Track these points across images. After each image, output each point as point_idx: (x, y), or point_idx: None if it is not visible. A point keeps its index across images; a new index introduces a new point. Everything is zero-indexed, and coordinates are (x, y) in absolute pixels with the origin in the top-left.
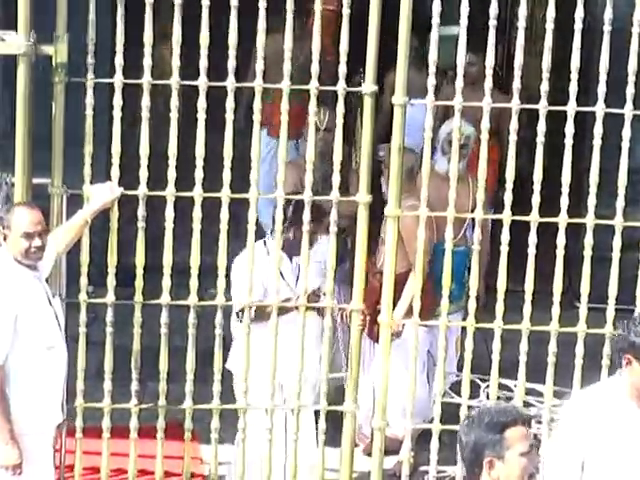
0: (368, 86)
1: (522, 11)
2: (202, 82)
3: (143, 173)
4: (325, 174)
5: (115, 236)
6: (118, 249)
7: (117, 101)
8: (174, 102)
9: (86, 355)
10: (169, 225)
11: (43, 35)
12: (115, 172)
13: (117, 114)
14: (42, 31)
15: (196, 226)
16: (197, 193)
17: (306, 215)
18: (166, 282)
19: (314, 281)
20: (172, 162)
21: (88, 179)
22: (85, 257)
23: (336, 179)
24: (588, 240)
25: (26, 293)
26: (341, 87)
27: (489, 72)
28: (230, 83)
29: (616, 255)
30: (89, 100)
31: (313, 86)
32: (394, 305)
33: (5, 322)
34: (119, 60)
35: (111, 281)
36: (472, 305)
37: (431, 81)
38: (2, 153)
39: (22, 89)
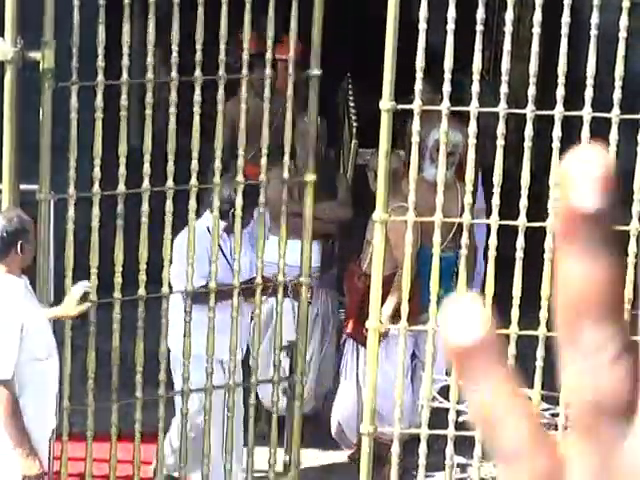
0: (313, 70)
1: (509, 15)
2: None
3: (122, 171)
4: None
5: (97, 236)
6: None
7: (98, 103)
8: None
9: (72, 360)
10: (144, 220)
11: (30, 41)
12: (97, 174)
13: (99, 116)
14: (29, 36)
15: (144, 220)
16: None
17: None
18: (142, 277)
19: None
20: (147, 158)
21: (73, 183)
22: (70, 262)
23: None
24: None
25: (27, 302)
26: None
27: (476, 77)
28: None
29: (631, 261)
30: (73, 104)
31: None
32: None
33: (13, 332)
34: (100, 62)
35: (94, 281)
36: None
37: (418, 86)
38: None
39: (9, 95)
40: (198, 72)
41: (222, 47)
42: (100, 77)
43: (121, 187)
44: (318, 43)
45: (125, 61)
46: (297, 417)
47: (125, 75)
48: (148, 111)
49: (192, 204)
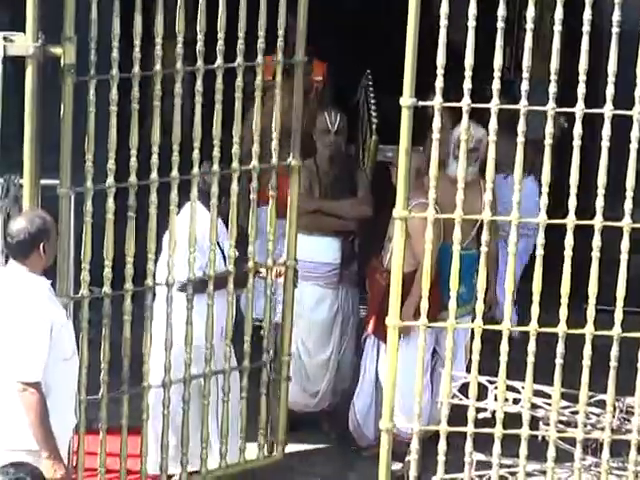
0: (297, 57)
1: (530, 13)
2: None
3: (133, 164)
4: (335, 178)
5: (89, 234)
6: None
7: (113, 96)
8: (134, 93)
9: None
10: (131, 215)
11: (51, 36)
12: (111, 166)
13: (113, 109)
14: (51, 32)
15: (131, 215)
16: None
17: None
18: (129, 270)
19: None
20: (133, 152)
21: (90, 177)
22: (88, 257)
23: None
24: (596, 242)
25: (53, 301)
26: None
27: (497, 74)
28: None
29: (624, 257)
30: (91, 98)
31: None
32: (402, 304)
33: (43, 332)
34: (115, 54)
35: (84, 277)
36: (479, 307)
37: (439, 84)
38: (9, 154)
39: (30, 90)
40: (200, 62)
41: (220, 37)
42: (115, 70)
43: (132, 178)
44: (303, 30)
45: (137, 53)
46: (282, 398)
47: (136, 67)
48: (156, 102)
49: (173, 196)
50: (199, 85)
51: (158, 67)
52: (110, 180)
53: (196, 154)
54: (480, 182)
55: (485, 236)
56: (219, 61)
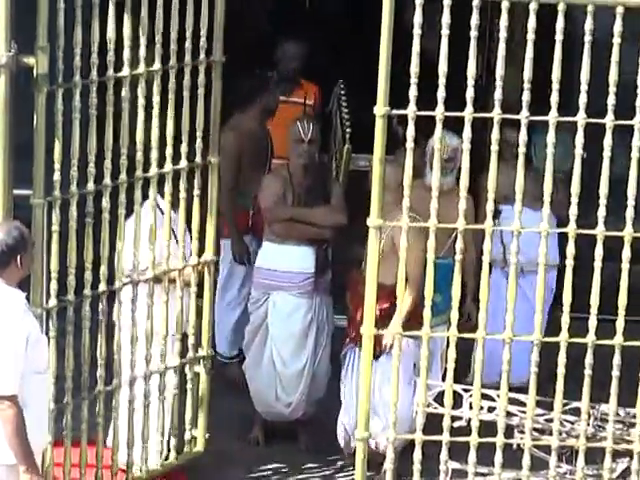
0: (217, 55)
1: (503, 22)
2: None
3: (92, 170)
4: (309, 186)
5: (56, 241)
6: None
7: (76, 104)
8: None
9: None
10: (89, 221)
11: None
12: (74, 173)
13: (76, 116)
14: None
15: (89, 221)
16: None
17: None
18: (104, 271)
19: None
20: (108, 155)
21: (58, 186)
22: (55, 266)
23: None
24: (598, 251)
25: (28, 314)
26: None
27: (470, 82)
28: None
29: (598, 265)
30: (58, 107)
31: None
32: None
33: (19, 345)
34: (77, 62)
35: (53, 286)
36: (454, 316)
37: (412, 92)
38: None
39: (3, 100)
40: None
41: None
42: (77, 77)
43: (90, 185)
44: (220, 29)
45: (94, 59)
46: (203, 390)
47: (94, 73)
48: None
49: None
50: (141, 89)
51: (110, 72)
52: (73, 188)
53: (139, 156)
54: (458, 190)
55: (459, 244)
56: (157, 65)
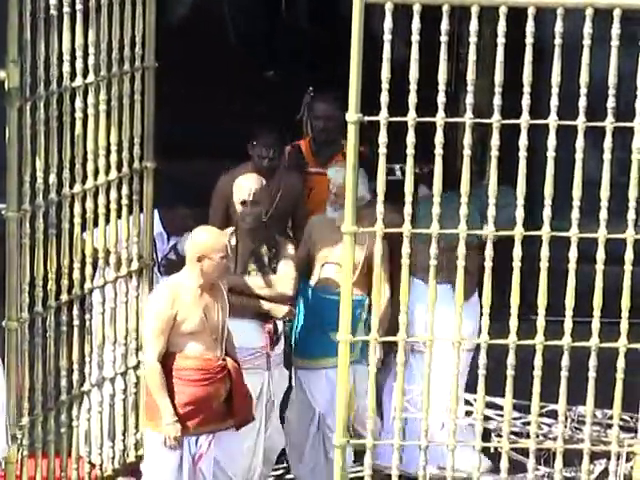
0: (148, 62)
1: (473, 26)
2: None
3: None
4: (253, 252)
5: (27, 255)
6: None
7: (41, 116)
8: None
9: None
10: (52, 232)
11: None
12: (40, 185)
13: (40, 129)
14: None
15: (77, 221)
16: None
17: None
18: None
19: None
20: (66, 165)
21: (27, 199)
22: (27, 277)
23: None
24: (544, 253)
25: None
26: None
27: (442, 88)
28: None
29: (572, 267)
30: (25, 120)
31: None
32: None
33: None
34: (41, 73)
35: (25, 299)
36: (431, 322)
37: (384, 98)
38: None
39: None
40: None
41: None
42: (40, 89)
43: (53, 195)
44: (152, 32)
45: (53, 71)
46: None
47: (54, 84)
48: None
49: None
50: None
51: (67, 83)
52: (39, 200)
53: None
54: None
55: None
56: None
